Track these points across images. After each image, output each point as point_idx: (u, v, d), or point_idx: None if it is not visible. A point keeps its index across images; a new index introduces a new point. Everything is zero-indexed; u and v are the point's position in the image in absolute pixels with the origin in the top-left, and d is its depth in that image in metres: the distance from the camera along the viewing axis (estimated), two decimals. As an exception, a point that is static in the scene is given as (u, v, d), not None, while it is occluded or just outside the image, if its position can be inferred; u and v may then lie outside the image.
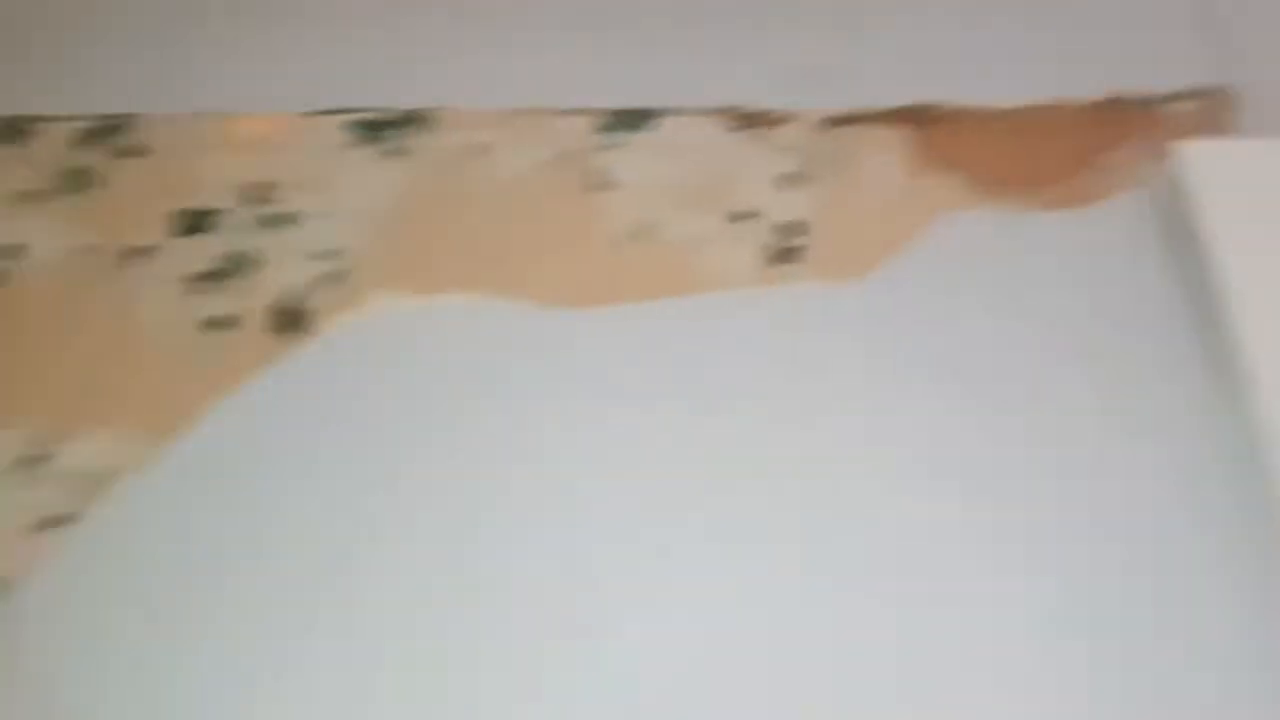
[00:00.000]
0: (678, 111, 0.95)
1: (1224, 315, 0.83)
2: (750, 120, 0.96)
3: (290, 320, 0.85)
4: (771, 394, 0.82)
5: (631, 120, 0.95)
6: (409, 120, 0.94)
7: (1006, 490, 0.79)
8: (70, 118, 0.94)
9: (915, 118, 0.97)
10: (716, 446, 0.80)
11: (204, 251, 0.88)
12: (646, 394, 0.81)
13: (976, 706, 0.71)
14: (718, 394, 0.82)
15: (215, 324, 0.85)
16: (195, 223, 0.89)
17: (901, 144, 0.95)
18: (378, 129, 0.94)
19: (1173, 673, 0.72)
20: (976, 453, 0.81)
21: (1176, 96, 0.98)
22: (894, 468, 0.80)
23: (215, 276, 0.87)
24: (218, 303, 0.86)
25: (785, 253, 0.89)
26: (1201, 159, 0.90)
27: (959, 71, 0.99)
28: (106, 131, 0.94)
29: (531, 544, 0.75)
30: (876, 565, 0.75)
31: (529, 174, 0.92)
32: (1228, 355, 0.82)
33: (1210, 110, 0.97)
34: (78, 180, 0.91)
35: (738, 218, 0.91)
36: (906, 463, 0.80)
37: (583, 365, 0.83)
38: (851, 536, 0.77)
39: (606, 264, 0.89)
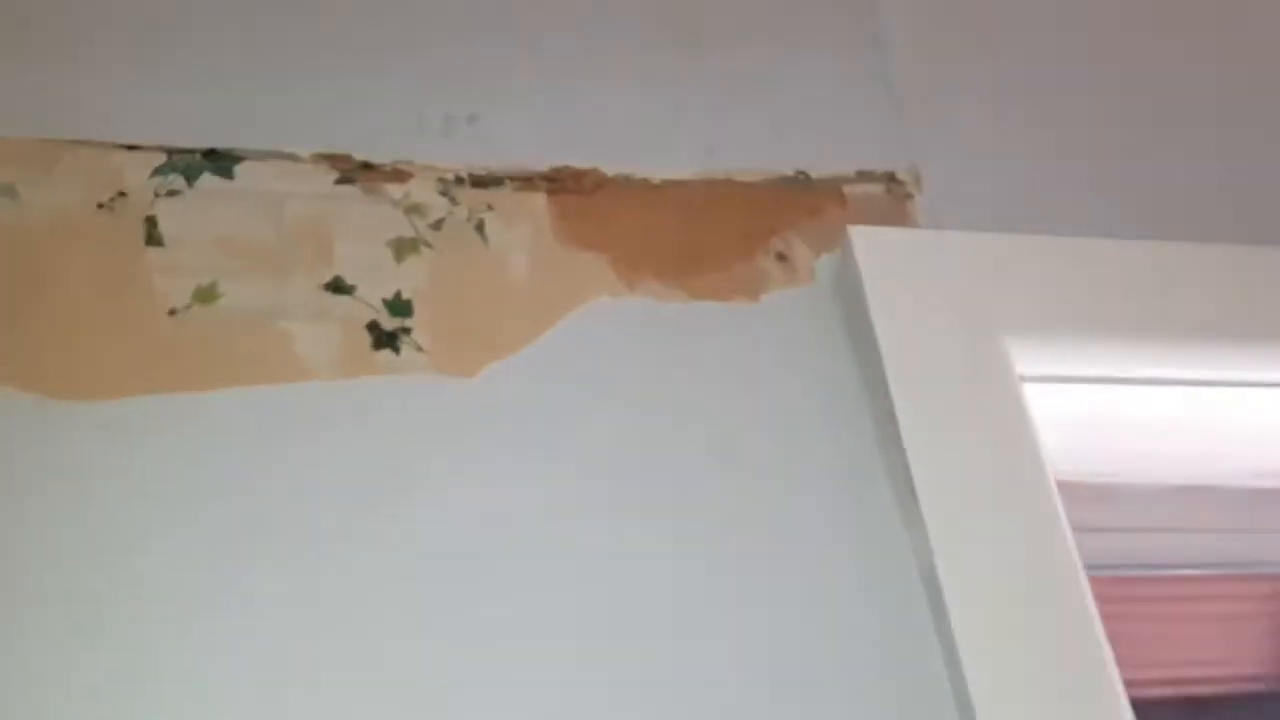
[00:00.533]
0: (262, 154, 0.76)
1: (894, 432, 0.71)
2: (362, 171, 0.78)
3: None
4: (358, 515, 0.64)
5: (205, 163, 0.75)
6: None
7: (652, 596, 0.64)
8: None
9: (563, 184, 0.82)
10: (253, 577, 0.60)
11: None
12: (196, 520, 0.61)
13: None
14: (278, 513, 0.63)
15: None
16: None
17: (543, 214, 0.80)
18: None
19: None
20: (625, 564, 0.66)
21: (857, 178, 0.87)
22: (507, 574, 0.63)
23: None
24: None
25: (389, 336, 0.72)
26: (873, 246, 0.79)
27: (613, 136, 0.85)
28: None
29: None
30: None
31: (61, 221, 0.71)
32: (899, 480, 0.71)
33: (892, 196, 0.87)
34: None
35: (333, 288, 0.73)
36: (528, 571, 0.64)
37: (110, 480, 0.62)
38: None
39: (152, 341, 0.68)
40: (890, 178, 0.88)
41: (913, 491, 0.70)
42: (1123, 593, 0.94)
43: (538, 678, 0.62)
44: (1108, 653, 0.67)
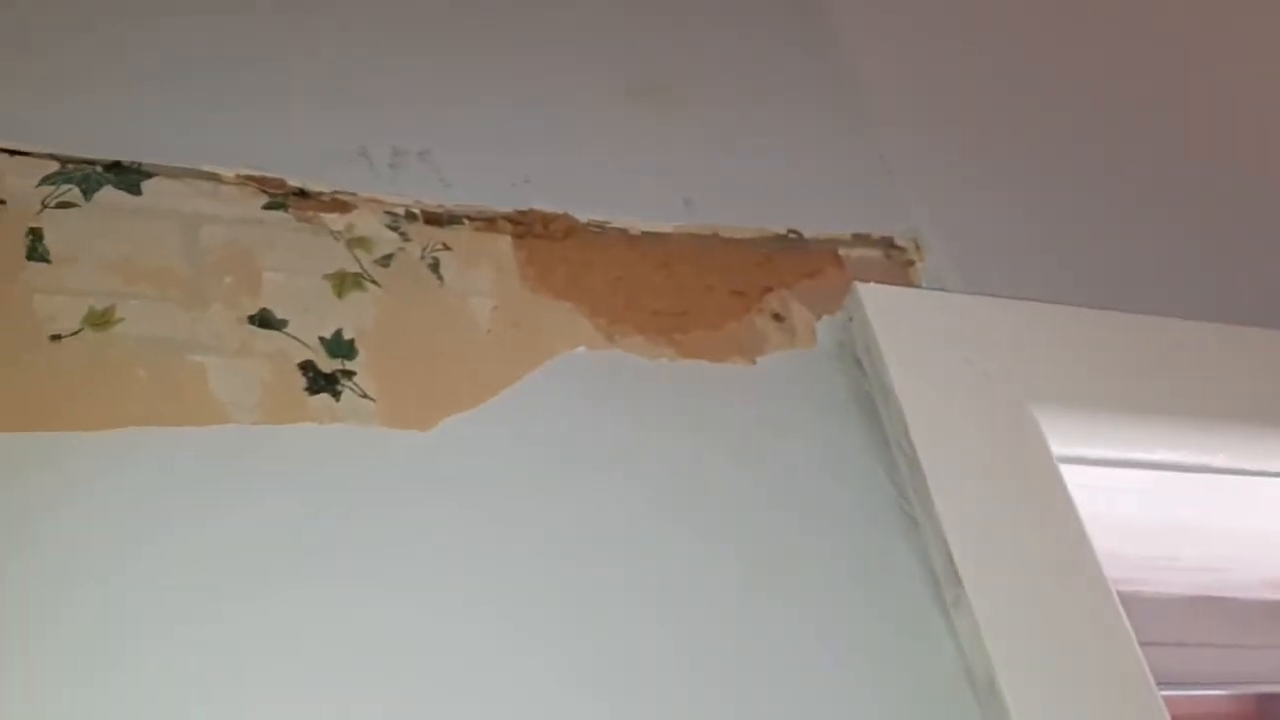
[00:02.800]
0: (177, 171, 0.64)
1: (915, 485, 0.61)
2: (295, 198, 0.66)
3: None
4: (296, 599, 0.50)
5: (106, 175, 0.62)
6: None
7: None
8: None
9: (530, 228, 0.71)
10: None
11: None
12: (87, 584, 0.47)
13: None
14: (216, 591, 0.49)
15: None
16: None
17: (508, 257, 0.68)
18: None
19: None
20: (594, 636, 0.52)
21: (854, 241, 0.79)
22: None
23: None
24: None
25: (328, 379, 0.59)
26: (888, 306, 0.70)
27: (583, 181, 0.75)
28: None
29: None
30: None
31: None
32: (933, 564, 0.60)
33: (892, 261, 0.79)
34: None
35: (259, 322, 0.60)
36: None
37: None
38: None
39: (31, 369, 0.54)
40: (889, 243, 0.80)
41: (956, 577, 0.59)
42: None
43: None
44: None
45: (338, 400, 0.58)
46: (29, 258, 0.58)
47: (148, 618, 0.48)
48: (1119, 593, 0.80)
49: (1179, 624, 0.84)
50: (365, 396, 0.59)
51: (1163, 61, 0.97)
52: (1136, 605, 0.82)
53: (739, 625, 0.58)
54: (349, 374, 0.59)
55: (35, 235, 0.59)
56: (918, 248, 0.80)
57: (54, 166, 0.62)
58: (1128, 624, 0.61)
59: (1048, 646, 0.58)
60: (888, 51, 0.93)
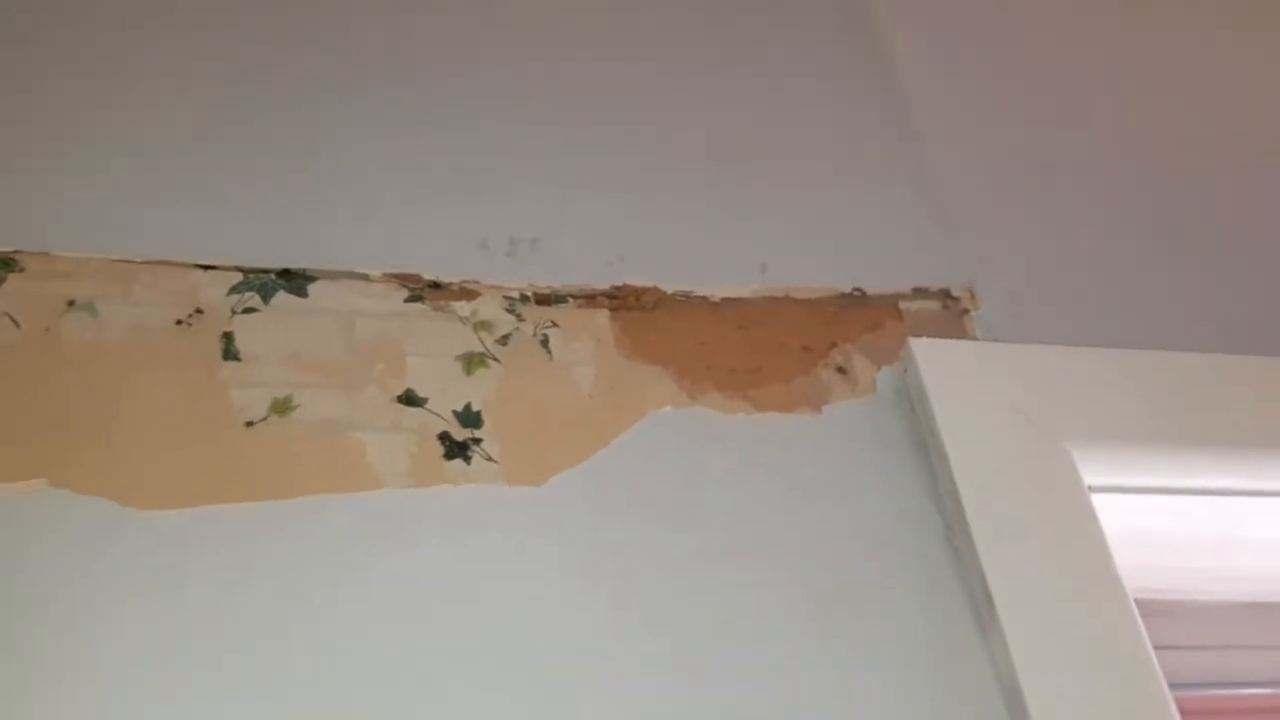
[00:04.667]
0: (335, 274, 0.78)
1: (966, 542, 0.71)
2: (430, 290, 0.80)
3: None
4: (441, 633, 0.64)
5: (279, 282, 0.77)
6: (-6, 264, 0.74)
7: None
8: None
9: (623, 301, 0.83)
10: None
11: None
12: (274, 633, 0.62)
13: None
14: (380, 627, 0.63)
15: None
16: None
17: (605, 329, 0.81)
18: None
19: None
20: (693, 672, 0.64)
21: (913, 295, 0.89)
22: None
23: None
24: None
25: (460, 446, 0.72)
26: (938, 357, 0.80)
27: (670, 255, 0.87)
28: None
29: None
30: None
31: (140, 337, 0.73)
32: (974, 587, 0.70)
33: (948, 312, 0.89)
34: None
35: (405, 400, 0.74)
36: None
37: (185, 590, 0.62)
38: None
39: (229, 451, 0.69)
40: (946, 294, 0.90)
41: (989, 599, 0.69)
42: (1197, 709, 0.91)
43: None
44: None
45: (469, 464, 0.71)
46: (224, 358, 0.73)
47: (355, 649, 0.62)
48: (1165, 600, 0.90)
49: (1228, 628, 0.92)
50: (490, 459, 0.72)
51: (1211, 111, 1.04)
52: (1186, 612, 0.91)
53: (808, 644, 0.69)
54: (477, 440, 0.73)
55: (228, 338, 0.74)
56: (972, 297, 0.90)
57: (238, 277, 0.77)
58: (1144, 634, 0.70)
59: (1068, 655, 0.68)
60: (948, 107, 1.02)
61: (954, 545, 0.74)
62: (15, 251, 0.75)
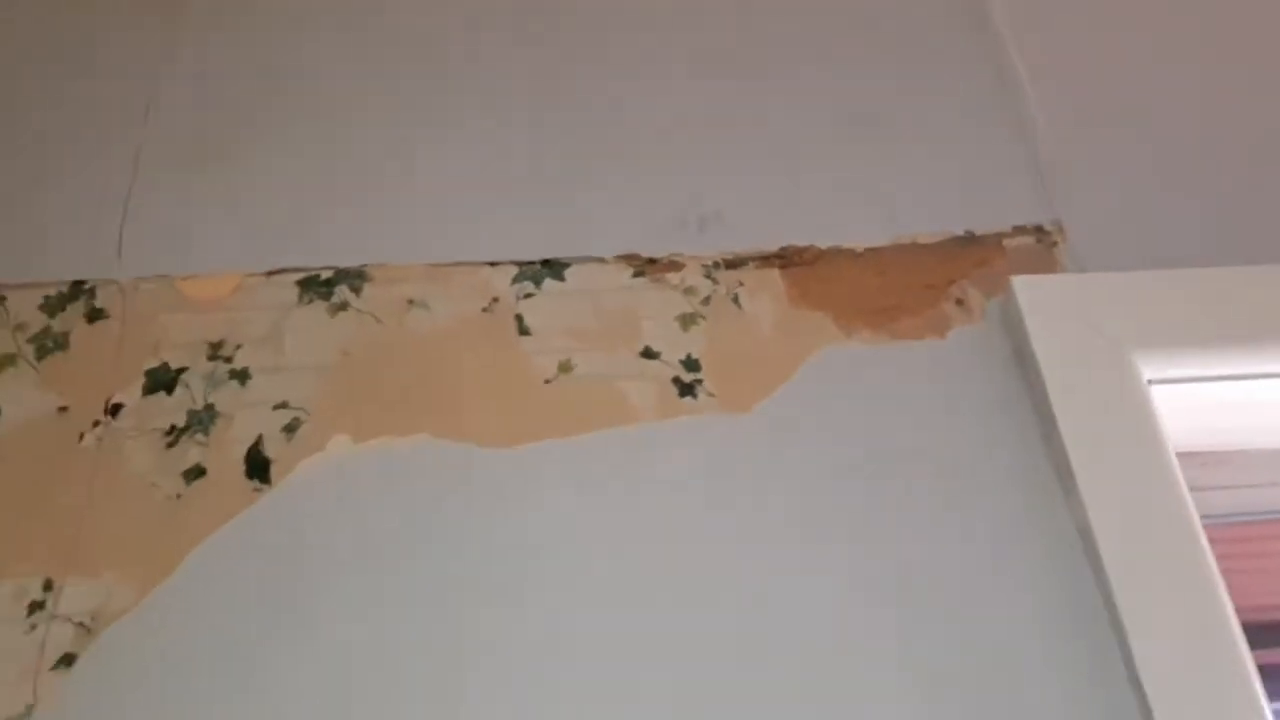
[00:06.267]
0: (581, 260, 1.09)
1: (1054, 429, 1.00)
2: (649, 265, 1.10)
3: (256, 468, 0.96)
4: (691, 514, 0.96)
5: (544, 270, 1.08)
6: (349, 277, 1.06)
7: (878, 584, 0.94)
8: (37, 285, 1.05)
9: (790, 260, 1.12)
10: (655, 559, 0.93)
11: (173, 407, 0.99)
12: (582, 522, 0.95)
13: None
14: (648, 517, 0.96)
15: (191, 474, 0.95)
16: (162, 380, 1.00)
17: (779, 284, 1.10)
18: (326, 285, 1.06)
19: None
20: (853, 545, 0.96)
21: (1013, 233, 1.15)
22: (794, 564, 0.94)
23: (186, 430, 0.97)
24: (191, 454, 0.96)
25: (688, 387, 1.03)
26: (1032, 290, 1.07)
27: (822, 216, 1.14)
28: (72, 297, 1.04)
29: (485, 665, 0.88)
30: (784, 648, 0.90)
31: (459, 322, 1.05)
32: (1060, 464, 1.00)
33: (1042, 245, 1.15)
34: (49, 344, 1.01)
35: (645, 355, 1.05)
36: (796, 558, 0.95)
37: (524, 499, 0.95)
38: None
39: (536, 403, 1.01)
40: (1040, 230, 1.16)
41: (1070, 470, 0.98)
42: (1238, 535, 1.20)
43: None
44: (1222, 590, 0.94)
45: (696, 399, 1.02)
46: (519, 334, 1.05)
47: (653, 529, 0.95)
48: (1216, 451, 1.18)
49: (1270, 470, 1.20)
50: (711, 395, 1.03)
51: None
52: (1232, 459, 1.19)
53: (934, 514, 1.00)
54: (700, 381, 1.04)
55: (519, 319, 1.06)
56: (1061, 231, 1.16)
57: (515, 270, 1.09)
58: (1186, 490, 0.98)
59: (1126, 507, 0.96)
60: (1043, 57, 1.26)
61: (1044, 433, 1.02)
62: (365, 265, 1.08)
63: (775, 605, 0.91)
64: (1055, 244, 1.15)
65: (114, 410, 0.98)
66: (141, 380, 1.00)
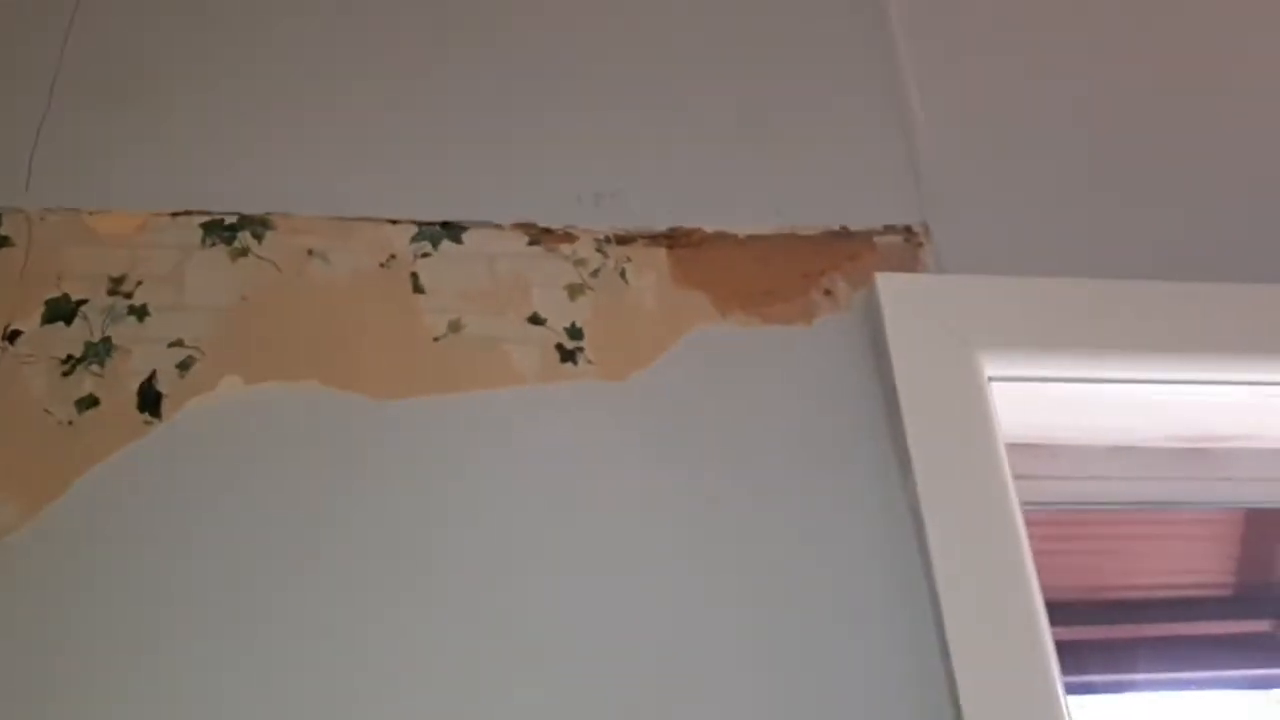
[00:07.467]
0: (480, 224, 1.15)
1: (898, 417, 1.09)
2: (544, 234, 1.16)
3: (148, 402, 1.00)
4: (560, 479, 1.03)
5: (443, 231, 1.14)
6: (252, 223, 1.11)
7: (719, 554, 1.03)
8: (-59, 209, 1.07)
9: (677, 240, 1.19)
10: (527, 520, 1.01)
11: (71, 337, 1.02)
12: (454, 479, 1.01)
13: None
14: (524, 475, 1.03)
15: (84, 403, 0.99)
16: (61, 311, 1.03)
17: (664, 263, 1.17)
18: (230, 230, 1.10)
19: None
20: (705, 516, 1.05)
21: (884, 231, 1.24)
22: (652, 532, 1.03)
23: (82, 361, 1.01)
24: (86, 384, 1.00)
25: (570, 353, 1.10)
26: (892, 286, 1.16)
27: (709, 202, 1.22)
28: (-24, 223, 1.07)
29: (345, 599, 0.94)
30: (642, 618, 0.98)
31: (357, 277, 1.10)
32: (900, 449, 1.09)
33: (909, 244, 1.24)
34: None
35: (533, 320, 1.11)
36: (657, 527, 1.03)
37: (401, 452, 1.02)
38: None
39: (424, 359, 1.07)
40: (908, 230, 1.25)
41: (908, 455, 1.08)
42: (1064, 520, 1.32)
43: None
44: (1031, 570, 1.05)
45: (576, 365, 1.09)
46: (414, 291, 1.11)
47: (525, 484, 1.02)
48: (1051, 444, 1.29)
49: (1098, 464, 1.32)
50: (590, 362, 1.10)
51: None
52: (1065, 453, 1.30)
53: (793, 475, 1.09)
54: (580, 349, 1.11)
55: (415, 277, 1.11)
56: (927, 233, 1.25)
57: (414, 229, 1.14)
58: (1010, 478, 1.08)
59: (956, 488, 1.06)
60: (928, 69, 1.34)
61: (890, 420, 1.12)
62: (269, 213, 1.12)
63: (621, 569, 0.99)
64: (921, 244, 1.24)
65: (11, 336, 1.02)
66: (41, 309, 1.03)
